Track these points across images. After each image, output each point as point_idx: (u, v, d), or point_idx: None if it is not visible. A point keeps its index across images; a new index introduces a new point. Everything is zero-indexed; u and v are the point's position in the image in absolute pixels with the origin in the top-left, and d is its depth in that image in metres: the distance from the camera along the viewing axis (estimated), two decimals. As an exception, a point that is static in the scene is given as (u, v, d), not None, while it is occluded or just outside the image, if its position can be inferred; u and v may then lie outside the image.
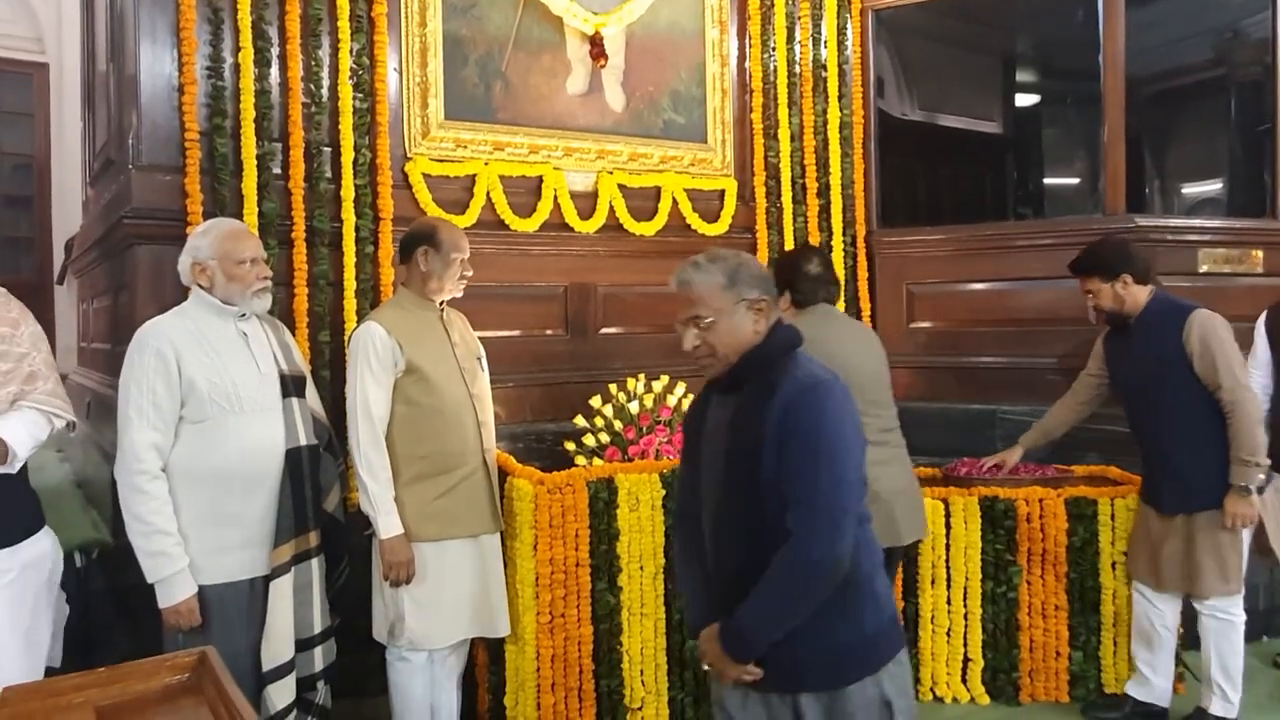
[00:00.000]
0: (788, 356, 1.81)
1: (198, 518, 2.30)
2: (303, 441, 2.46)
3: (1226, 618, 2.97)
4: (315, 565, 2.49)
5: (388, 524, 2.52)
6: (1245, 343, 3.40)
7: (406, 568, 2.53)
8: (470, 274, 2.73)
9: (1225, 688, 3.00)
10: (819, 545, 1.67)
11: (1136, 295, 2.98)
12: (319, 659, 2.51)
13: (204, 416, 2.30)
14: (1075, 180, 6.65)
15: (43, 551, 2.22)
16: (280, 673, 2.38)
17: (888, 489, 2.62)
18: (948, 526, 3.33)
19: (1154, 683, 3.14)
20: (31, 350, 2.21)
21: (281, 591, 2.38)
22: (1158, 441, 3.01)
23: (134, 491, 2.25)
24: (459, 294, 2.73)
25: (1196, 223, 4.51)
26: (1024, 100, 6.61)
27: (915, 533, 2.76)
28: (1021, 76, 6.61)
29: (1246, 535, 2.95)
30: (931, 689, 3.36)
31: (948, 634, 3.34)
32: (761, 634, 1.75)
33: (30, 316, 2.28)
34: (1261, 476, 2.86)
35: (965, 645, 3.34)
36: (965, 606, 3.33)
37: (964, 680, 3.34)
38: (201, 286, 2.42)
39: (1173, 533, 2.97)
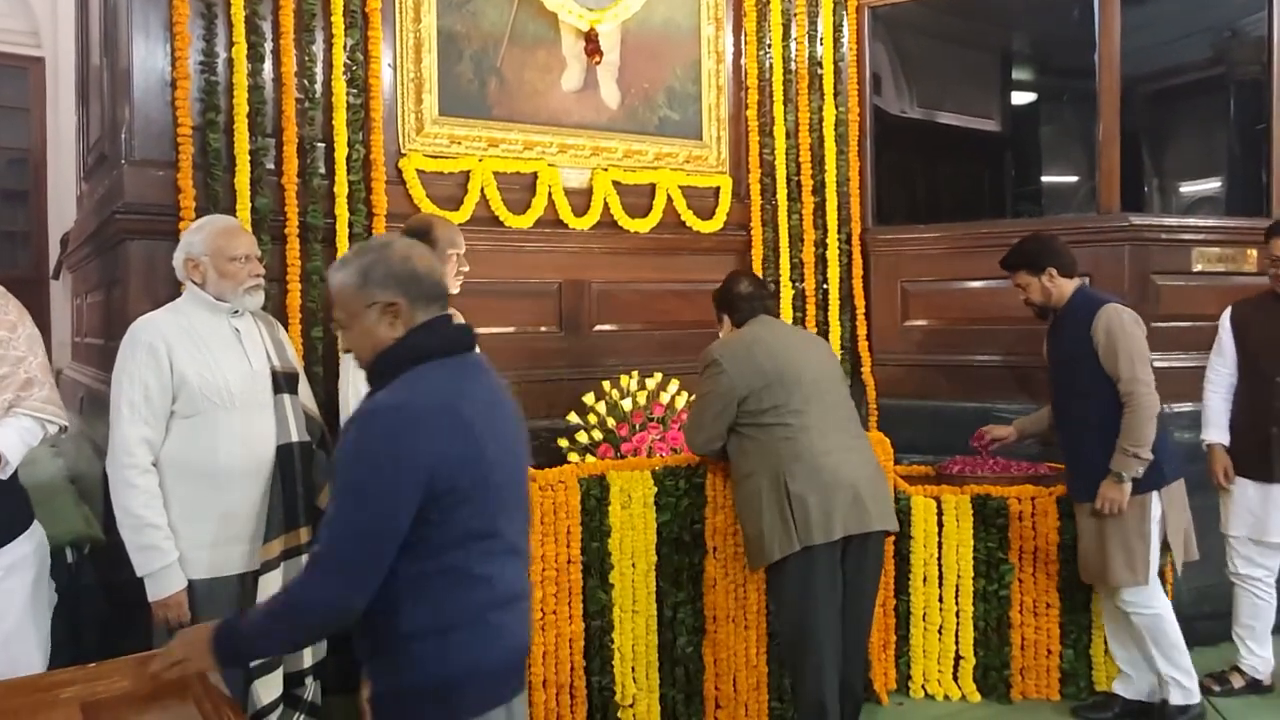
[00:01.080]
0: (404, 369, 1.60)
1: (188, 512, 2.30)
2: (295, 438, 2.46)
3: (1149, 612, 3.00)
4: (306, 561, 2.48)
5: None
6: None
7: None
8: (467, 269, 2.72)
9: (1177, 678, 3.02)
10: (309, 591, 1.55)
11: (1062, 288, 3.07)
12: (308, 655, 2.51)
13: (195, 412, 2.31)
14: (1071, 179, 6.65)
15: (30, 549, 2.22)
16: (267, 668, 2.39)
17: (849, 477, 2.68)
18: (940, 524, 3.34)
19: (1135, 678, 3.15)
20: (28, 354, 2.21)
21: (270, 587, 2.37)
22: (1069, 430, 3.12)
23: (124, 485, 2.26)
24: (456, 290, 2.72)
25: (1191, 222, 4.51)
26: (1020, 98, 6.60)
27: (885, 521, 2.76)
28: (1018, 74, 6.60)
29: (1156, 529, 2.96)
30: (923, 686, 3.37)
31: (939, 631, 3.35)
32: (253, 646, 1.66)
33: (28, 317, 2.28)
34: (1139, 470, 2.91)
35: (957, 643, 3.35)
36: (957, 604, 3.34)
37: (955, 678, 3.35)
38: (195, 282, 2.41)
39: (1087, 524, 3.04)
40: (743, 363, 2.75)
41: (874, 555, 2.77)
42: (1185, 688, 3.03)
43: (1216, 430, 3.37)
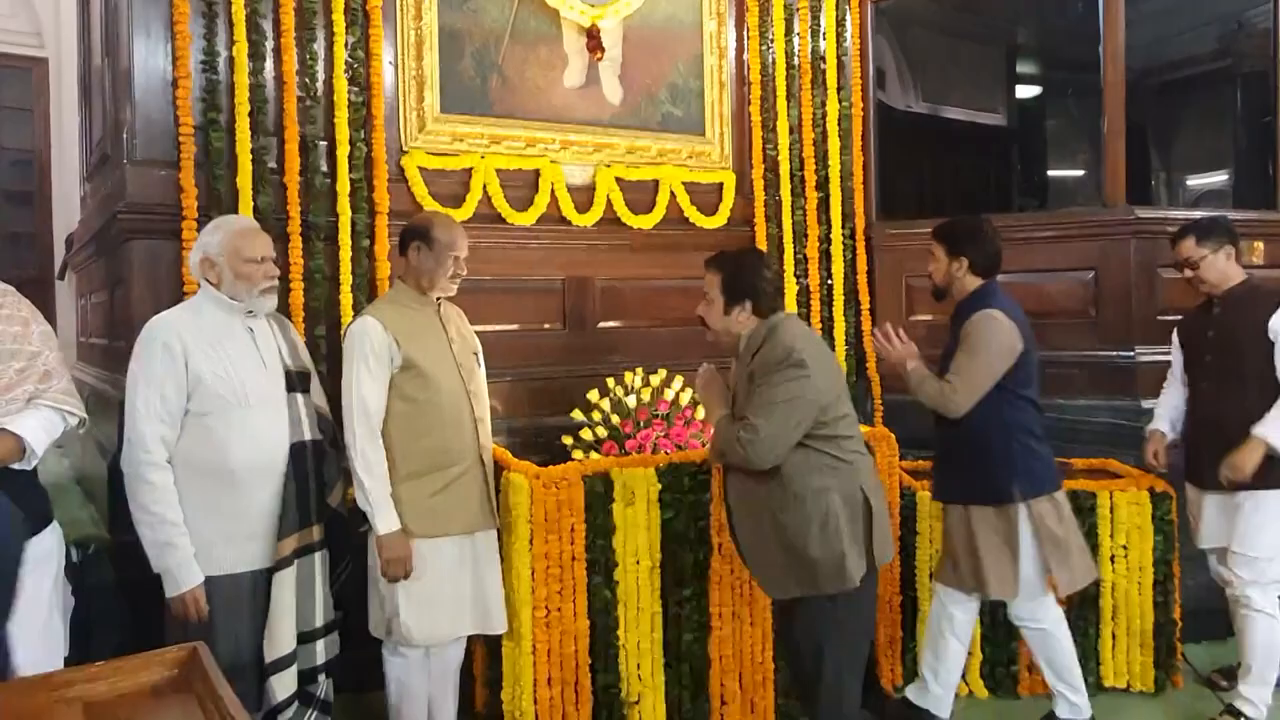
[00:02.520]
0: None
1: (202, 510, 2.31)
2: (307, 436, 2.47)
3: (1035, 626, 2.92)
4: (318, 559, 2.50)
5: (385, 520, 2.51)
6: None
7: (404, 564, 2.52)
8: (464, 273, 2.70)
9: (1064, 691, 2.94)
10: None
11: (965, 284, 2.91)
12: (321, 652, 2.52)
13: (209, 410, 2.32)
14: (1076, 172, 6.63)
15: (52, 545, 2.24)
16: (282, 665, 2.40)
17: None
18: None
19: (931, 690, 3.03)
20: (43, 349, 2.22)
21: (284, 584, 2.39)
22: (937, 426, 2.99)
23: (140, 482, 2.27)
24: (451, 292, 2.72)
25: (1197, 214, 4.48)
26: (1025, 92, 6.59)
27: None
28: (1022, 68, 6.59)
29: (1030, 540, 2.78)
30: (929, 683, 3.35)
31: (946, 628, 3.33)
32: None
33: (39, 315, 2.30)
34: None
35: (963, 639, 3.33)
36: (963, 600, 3.32)
37: (963, 673, 3.33)
38: (210, 282, 2.42)
39: (953, 525, 2.92)
40: (824, 364, 2.50)
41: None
42: (1073, 702, 2.94)
43: (1159, 419, 3.31)
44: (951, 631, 2.98)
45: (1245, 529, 2.95)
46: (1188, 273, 3.12)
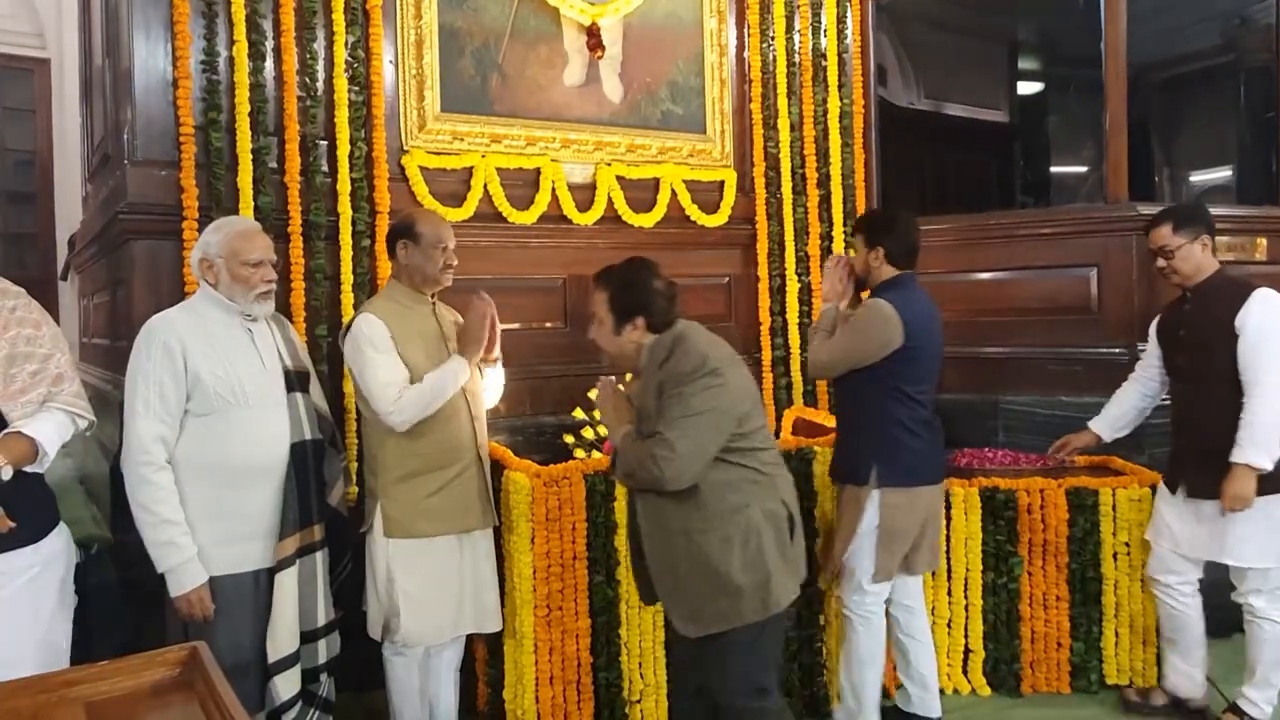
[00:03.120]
0: None
1: (202, 510, 2.32)
2: (307, 436, 2.47)
3: (847, 613, 2.92)
4: (319, 559, 2.51)
5: (458, 365, 2.58)
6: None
7: (484, 321, 2.66)
8: (455, 264, 2.69)
9: (846, 691, 2.94)
10: None
11: (880, 273, 2.91)
12: (323, 651, 2.53)
13: (209, 410, 2.32)
14: (1079, 169, 6.61)
15: (60, 546, 2.25)
16: (285, 664, 2.40)
17: None
18: (948, 518, 3.31)
19: (912, 693, 3.02)
20: (55, 351, 2.23)
21: (286, 584, 2.39)
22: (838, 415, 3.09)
23: (140, 482, 2.27)
24: (448, 283, 2.71)
25: (1200, 210, 4.46)
26: (1027, 88, 6.56)
27: None
28: (1024, 64, 6.56)
29: (869, 530, 2.80)
30: (932, 680, 3.35)
31: (949, 625, 3.33)
32: None
33: (48, 316, 2.31)
34: None
35: (966, 636, 3.33)
36: (966, 598, 3.32)
37: (965, 671, 3.34)
38: (209, 282, 2.42)
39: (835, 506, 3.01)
40: (737, 372, 2.31)
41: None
42: (849, 707, 2.93)
43: (1100, 418, 3.28)
44: (900, 630, 3.01)
45: (1232, 540, 2.85)
46: (1160, 262, 3.01)
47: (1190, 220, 2.97)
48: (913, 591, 3.03)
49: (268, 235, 2.59)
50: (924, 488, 2.86)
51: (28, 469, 2.12)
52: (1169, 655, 3.12)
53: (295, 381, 2.48)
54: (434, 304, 2.72)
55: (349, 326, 2.63)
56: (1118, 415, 3.27)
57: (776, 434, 4.03)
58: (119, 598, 2.82)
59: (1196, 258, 2.95)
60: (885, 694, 3.08)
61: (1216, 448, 2.82)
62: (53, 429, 2.16)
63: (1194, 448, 2.93)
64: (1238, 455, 2.75)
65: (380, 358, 2.53)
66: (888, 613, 2.98)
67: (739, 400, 2.26)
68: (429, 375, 2.54)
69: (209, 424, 2.32)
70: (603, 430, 3.54)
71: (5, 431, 2.08)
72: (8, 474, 2.01)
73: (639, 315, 2.35)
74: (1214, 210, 4.40)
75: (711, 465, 2.22)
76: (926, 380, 2.86)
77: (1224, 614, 3.10)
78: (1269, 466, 2.75)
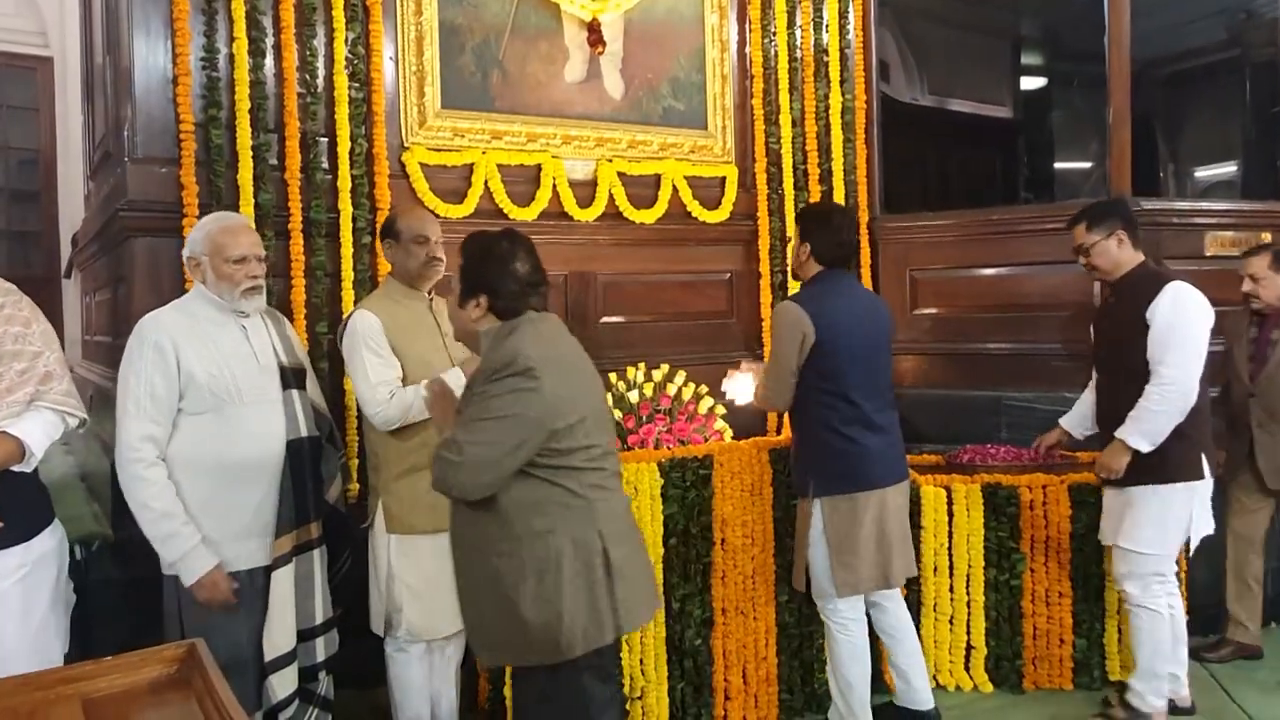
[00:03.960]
0: None
1: (198, 508, 2.31)
2: (304, 433, 2.46)
3: (826, 621, 2.89)
4: (317, 556, 2.50)
5: (455, 378, 2.45)
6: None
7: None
8: (439, 257, 2.67)
9: (834, 696, 2.92)
10: None
11: (806, 269, 2.90)
12: (321, 649, 2.52)
13: (203, 408, 2.31)
14: (1082, 164, 6.59)
15: (53, 545, 2.24)
16: (282, 663, 2.39)
17: (640, 543, 2.18)
18: (950, 514, 3.31)
19: (901, 690, 3.00)
20: (44, 349, 2.22)
21: (282, 582, 2.39)
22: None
23: (134, 480, 2.27)
24: (434, 278, 2.70)
25: (1204, 205, 4.46)
26: (1030, 83, 6.54)
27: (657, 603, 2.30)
28: (1027, 59, 6.54)
29: (820, 537, 2.75)
30: (934, 676, 3.34)
31: (950, 621, 3.33)
32: None
33: (40, 314, 2.30)
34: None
35: (968, 633, 3.32)
36: (968, 594, 3.31)
37: (967, 668, 3.33)
38: (199, 280, 2.42)
39: None
40: (567, 378, 2.02)
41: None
42: (839, 709, 2.89)
43: (1070, 415, 3.30)
44: (876, 627, 2.96)
45: (1129, 524, 2.89)
46: (1082, 260, 3.02)
47: (1103, 216, 2.98)
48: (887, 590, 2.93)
49: (262, 231, 2.61)
50: (869, 493, 2.74)
51: (15, 468, 2.12)
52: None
53: (291, 378, 2.47)
54: (431, 299, 2.72)
55: (346, 322, 2.63)
56: (1083, 413, 3.26)
57: (778, 430, 4.02)
58: (119, 595, 2.82)
59: (1112, 253, 2.95)
60: (886, 689, 3.07)
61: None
62: (40, 428, 2.15)
63: (1110, 438, 2.95)
64: (1120, 430, 2.83)
65: (371, 357, 2.52)
66: (867, 611, 2.92)
67: (556, 409, 1.97)
68: (412, 388, 2.53)
69: (204, 422, 2.31)
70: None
71: None
72: None
73: (482, 293, 2.09)
74: (1218, 206, 4.42)
75: (517, 479, 1.97)
76: (857, 379, 2.74)
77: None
78: (1145, 449, 2.81)
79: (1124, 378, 2.88)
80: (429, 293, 2.71)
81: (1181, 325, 2.79)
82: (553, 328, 2.13)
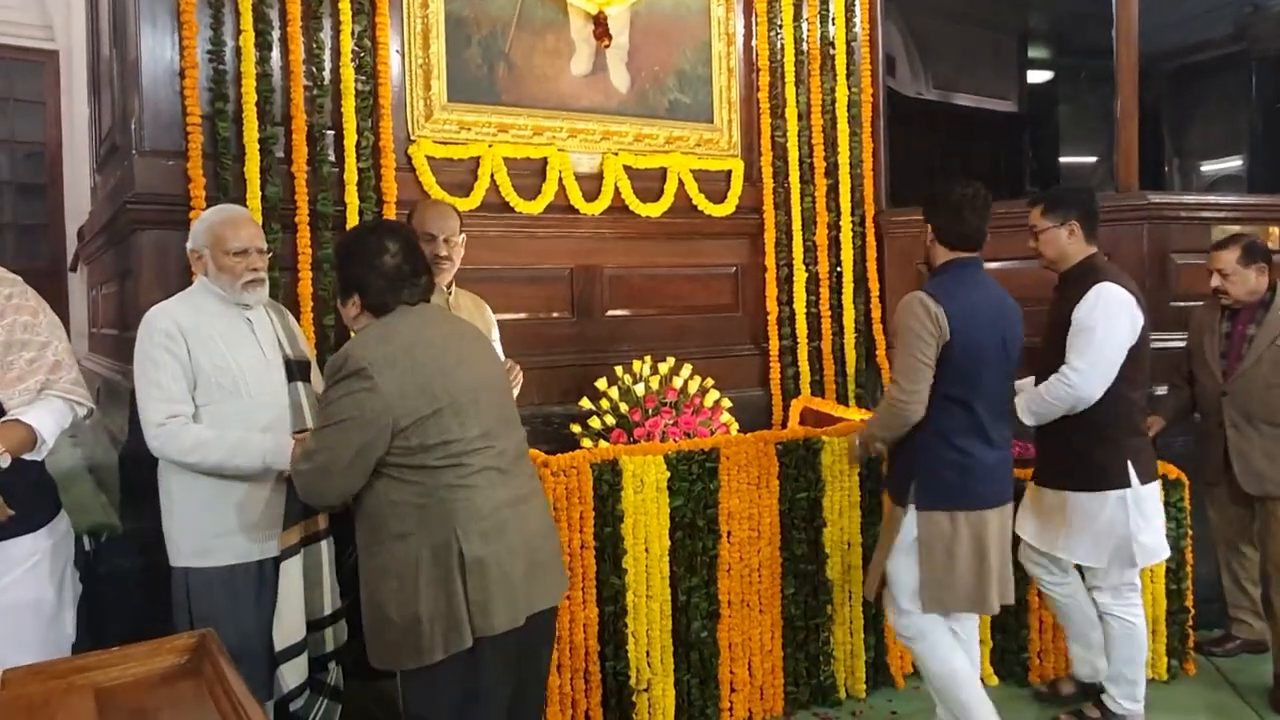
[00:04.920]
0: None
1: (207, 500, 2.32)
2: (309, 425, 2.46)
3: (905, 637, 2.71)
4: (325, 547, 2.50)
5: None
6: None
7: None
8: (447, 255, 2.68)
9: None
10: None
11: (933, 255, 2.80)
12: (330, 640, 2.53)
13: (209, 401, 2.32)
14: (1089, 158, 6.57)
15: (61, 534, 2.26)
16: (292, 653, 2.40)
17: (531, 536, 2.06)
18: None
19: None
20: (52, 338, 2.24)
21: (291, 573, 2.39)
22: None
23: (171, 439, 2.26)
24: (445, 273, 2.71)
25: (1211, 199, 4.44)
26: (1037, 77, 6.53)
27: (561, 588, 2.18)
28: (1034, 53, 6.53)
29: (906, 549, 2.58)
30: (940, 670, 3.35)
31: (956, 615, 3.33)
32: None
33: (46, 305, 2.31)
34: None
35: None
36: (974, 588, 3.31)
37: (972, 661, 3.33)
38: (201, 273, 2.43)
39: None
40: (402, 375, 1.95)
41: (548, 633, 2.22)
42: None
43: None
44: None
45: (1064, 535, 2.82)
46: (1031, 243, 2.97)
47: (1060, 204, 2.91)
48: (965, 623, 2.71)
49: (269, 224, 2.61)
50: (971, 513, 2.51)
51: (26, 457, 2.13)
52: (1068, 642, 3.10)
53: (296, 371, 2.47)
54: (449, 293, 2.72)
55: None
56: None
57: (784, 424, 4.03)
58: (128, 586, 2.83)
59: (1061, 243, 2.89)
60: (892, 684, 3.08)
61: (1054, 435, 2.85)
62: (50, 417, 2.16)
63: (1038, 435, 2.94)
64: (1016, 399, 2.80)
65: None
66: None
67: (398, 407, 1.92)
68: None
69: (210, 414, 2.32)
70: (609, 420, 3.54)
71: (3, 420, 2.09)
72: (5, 462, 2.02)
73: (354, 292, 2.06)
74: (1224, 200, 4.40)
75: (376, 480, 1.96)
76: (981, 385, 2.50)
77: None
78: (1030, 424, 2.85)
79: (1049, 373, 2.81)
80: (447, 287, 2.71)
81: (1099, 328, 2.70)
82: (414, 319, 2.05)
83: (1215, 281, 3.24)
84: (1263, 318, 3.20)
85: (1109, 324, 2.71)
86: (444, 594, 1.92)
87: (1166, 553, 2.90)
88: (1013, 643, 3.32)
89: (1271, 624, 3.20)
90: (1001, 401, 2.60)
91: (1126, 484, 2.76)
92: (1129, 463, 2.76)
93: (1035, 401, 2.82)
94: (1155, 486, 2.85)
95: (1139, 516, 2.77)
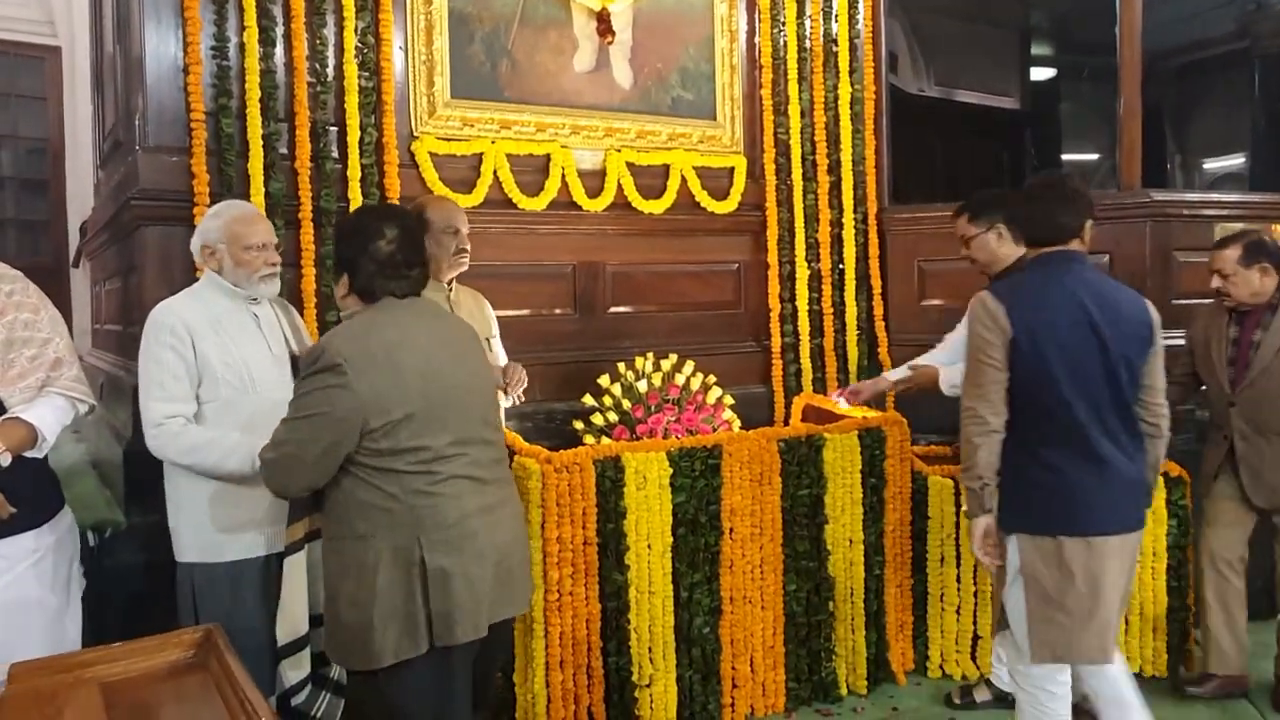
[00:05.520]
0: None
1: (213, 496, 2.33)
2: None
3: (1023, 690, 2.47)
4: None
5: None
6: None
7: None
8: (467, 248, 2.70)
9: None
10: None
11: (1002, 250, 2.93)
12: (333, 636, 2.54)
13: (217, 397, 2.33)
14: (1092, 155, 6.57)
15: (64, 530, 2.27)
16: (296, 647, 2.40)
17: (499, 544, 2.01)
18: (957, 505, 3.31)
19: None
20: (53, 335, 2.24)
21: (296, 568, 2.38)
22: None
23: (171, 440, 2.26)
24: (463, 268, 2.72)
25: (1214, 197, 4.45)
26: (1039, 74, 6.53)
27: (527, 598, 2.16)
28: (1037, 50, 6.53)
29: (1015, 581, 2.33)
30: (940, 666, 3.35)
31: (957, 612, 3.33)
32: None
33: (48, 301, 2.31)
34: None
35: (975, 623, 3.32)
36: (975, 584, 3.32)
37: (973, 658, 3.34)
38: (212, 269, 2.43)
39: None
40: (379, 376, 1.90)
41: (507, 640, 2.23)
42: None
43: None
44: (1097, 697, 2.41)
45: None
46: (963, 250, 2.96)
47: (985, 208, 2.91)
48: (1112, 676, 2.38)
49: (272, 220, 2.62)
50: (1074, 539, 2.20)
51: (27, 454, 2.13)
52: (995, 648, 3.02)
53: (301, 367, 2.49)
54: (450, 289, 2.73)
55: None
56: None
57: (786, 420, 4.03)
58: (132, 581, 2.84)
59: (991, 247, 2.89)
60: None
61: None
62: (52, 414, 2.17)
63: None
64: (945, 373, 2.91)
65: None
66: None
67: (371, 407, 1.88)
68: None
69: (217, 411, 2.33)
70: (611, 416, 3.54)
71: (4, 417, 2.10)
72: (6, 460, 2.02)
73: (344, 271, 2.02)
74: (1227, 198, 4.40)
75: (342, 477, 1.93)
76: (1073, 389, 2.21)
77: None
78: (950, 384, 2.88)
79: None
80: (448, 283, 2.72)
81: (971, 325, 2.45)
82: (401, 316, 2.00)
83: (1216, 283, 3.07)
84: (1269, 322, 3.03)
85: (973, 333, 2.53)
86: (401, 600, 1.89)
87: None
88: (1014, 639, 3.32)
89: None
90: (1114, 408, 2.25)
91: None
92: None
93: (956, 377, 2.72)
94: None
95: None
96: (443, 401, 1.96)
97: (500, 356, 2.93)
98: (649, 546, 2.89)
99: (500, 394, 2.75)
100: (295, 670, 2.40)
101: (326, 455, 1.89)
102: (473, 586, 1.94)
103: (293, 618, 2.39)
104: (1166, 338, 2.39)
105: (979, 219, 2.90)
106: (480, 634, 1.96)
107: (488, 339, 2.80)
